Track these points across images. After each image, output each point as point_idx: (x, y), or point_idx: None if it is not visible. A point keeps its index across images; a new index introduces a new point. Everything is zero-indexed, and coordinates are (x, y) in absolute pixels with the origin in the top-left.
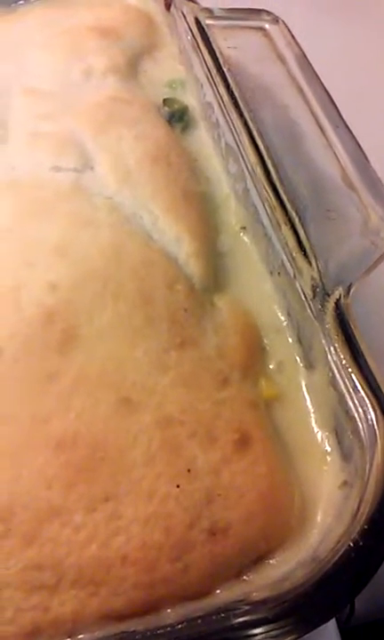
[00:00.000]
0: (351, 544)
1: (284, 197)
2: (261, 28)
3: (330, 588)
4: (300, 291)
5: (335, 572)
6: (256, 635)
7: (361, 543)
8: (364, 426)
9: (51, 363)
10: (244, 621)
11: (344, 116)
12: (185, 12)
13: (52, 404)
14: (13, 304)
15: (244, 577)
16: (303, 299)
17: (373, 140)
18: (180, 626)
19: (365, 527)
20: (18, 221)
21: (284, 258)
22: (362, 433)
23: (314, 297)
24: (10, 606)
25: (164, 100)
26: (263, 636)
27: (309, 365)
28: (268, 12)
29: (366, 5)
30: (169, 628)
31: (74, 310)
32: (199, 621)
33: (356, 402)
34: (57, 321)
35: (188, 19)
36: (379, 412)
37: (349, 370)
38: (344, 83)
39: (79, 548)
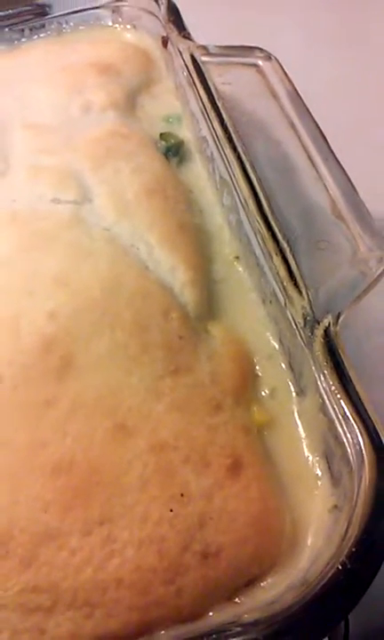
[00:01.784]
0: (339, 567)
1: (276, 228)
2: (255, 65)
3: (319, 610)
4: (291, 319)
5: (324, 595)
6: None
7: (349, 566)
8: (353, 451)
9: (48, 389)
10: None
11: (334, 149)
12: (181, 49)
13: (49, 429)
14: (13, 332)
15: (236, 599)
16: (294, 326)
17: (362, 172)
18: None
19: (353, 550)
20: (19, 252)
21: (276, 287)
22: (350, 458)
23: (304, 325)
24: (6, 628)
25: (161, 135)
26: None
27: (300, 392)
28: (261, 50)
29: (357, 41)
30: None
31: (72, 338)
32: None
33: (345, 428)
34: (55, 349)
35: (184, 55)
36: (366, 437)
37: (338, 396)
38: (334, 116)
39: (75, 571)
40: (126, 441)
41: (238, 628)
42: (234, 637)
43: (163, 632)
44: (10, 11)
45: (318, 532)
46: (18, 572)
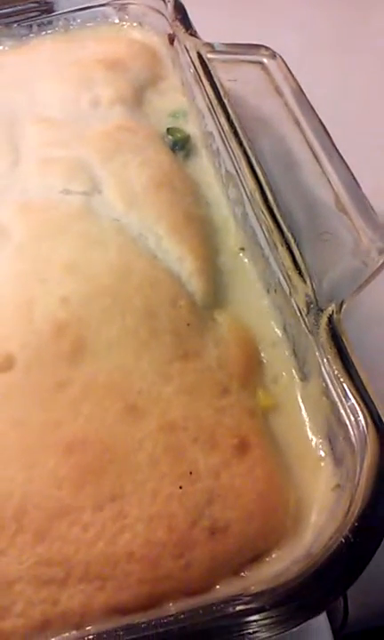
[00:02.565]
0: (343, 540)
1: (281, 221)
2: (260, 63)
3: (323, 581)
4: (295, 307)
5: (328, 566)
6: (253, 622)
7: (352, 539)
8: (355, 432)
9: (61, 372)
10: (242, 610)
11: (337, 145)
12: (188, 47)
13: (63, 410)
14: (26, 317)
15: (242, 574)
16: (298, 314)
17: (365, 168)
18: (182, 616)
19: (356, 524)
20: (31, 240)
21: (281, 277)
22: (353, 439)
23: (308, 313)
24: (21, 600)
25: (168, 130)
26: (259, 623)
27: (304, 377)
28: (267, 48)
29: (360, 41)
30: (171, 618)
31: (83, 323)
32: (200, 611)
33: (348, 410)
34: (67, 333)
35: (190, 53)
36: (369, 418)
37: (341, 380)
38: (338, 113)
39: (87, 545)
40: (137, 421)
41: (245, 598)
42: (240, 605)
43: (171, 604)
44: (17, 7)
45: (322, 510)
46: (32, 545)
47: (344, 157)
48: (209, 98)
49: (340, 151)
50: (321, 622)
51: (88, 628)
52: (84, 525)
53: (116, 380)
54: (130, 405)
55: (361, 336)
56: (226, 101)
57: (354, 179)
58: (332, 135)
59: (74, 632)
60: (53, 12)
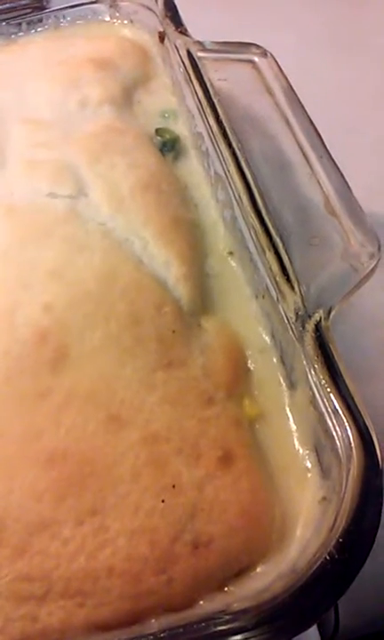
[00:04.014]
0: (327, 557)
1: (269, 224)
2: (251, 61)
3: (307, 599)
4: (283, 313)
5: (312, 584)
6: None
7: (336, 556)
8: (342, 444)
9: (43, 381)
10: (224, 630)
11: (328, 146)
12: (178, 45)
13: (44, 420)
14: (8, 324)
15: (226, 589)
16: (286, 321)
17: (355, 170)
18: (162, 634)
19: (341, 540)
20: (15, 245)
21: (269, 282)
22: (339, 451)
23: (296, 319)
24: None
25: (157, 130)
26: None
27: (292, 385)
28: (258, 46)
29: (353, 39)
30: (151, 637)
31: (66, 331)
32: (181, 630)
33: (335, 421)
34: (50, 340)
35: (180, 51)
36: (354, 430)
37: (328, 390)
38: (329, 113)
39: (67, 560)
40: (119, 432)
41: (227, 617)
42: (223, 625)
43: (154, 620)
44: (7, 4)
45: (307, 523)
46: (11, 560)
47: (335, 158)
48: (198, 97)
49: (331, 152)
50: (310, 632)
51: None
52: (65, 540)
53: (99, 389)
54: (112, 415)
55: (357, 339)
56: (215, 101)
57: (344, 181)
58: (322, 135)
59: None
60: (44, 9)
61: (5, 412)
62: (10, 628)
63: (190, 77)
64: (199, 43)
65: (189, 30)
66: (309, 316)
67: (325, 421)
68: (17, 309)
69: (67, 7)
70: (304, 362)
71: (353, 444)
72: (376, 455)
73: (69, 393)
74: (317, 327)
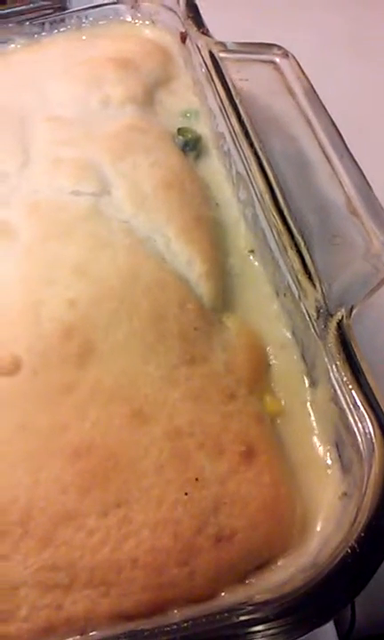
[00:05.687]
0: (349, 550)
1: (291, 223)
2: (272, 62)
3: (328, 591)
4: (304, 311)
5: (333, 576)
6: (256, 632)
7: (358, 550)
8: (363, 440)
9: (68, 375)
10: (246, 620)
11: (349, 147)
12: (200, 46)
13: (69, 414)
14: (33, 319)
15: (247, 581)
16: (307, 319)
17: (377, 169)
18: (185, 624)
19: (362, 534)
20: (39, 242)
21: (290, 280)
22: (361, 447)
23: (317, 317)
24: (25, 604)
25: (179, 130)
26: (263, 633)
27: (313, 382)
28: (279, 47)
29: (374, 41)
30: (175, 626)
31: (91, 326)
32: (203, 620)
33: (356, 417)
34: (75, 336)
35: (202, 52)
36: (376, 426)
37: (350, 387)
38: (350, 114)
39: (92, 551)
40: (143, 427)
41: (250, 607)
42: (245, 615)
43: (176, 611)
44: (30, 5)
45: (328, 518)
46: (37, 550)
47: (356, 158)
48: (220, 98)
49: (352, 152)
50: (327, 628)
51: (92, 633)
52: (89, 531)
53: (123, 385)
54: (136, 410)
55: (372, 339)
56: (237, 101)
57: (366, 180)
58: (344, 136)
59: (78, 637)
60: (66, 9)
61: (32, 406)
62: (35, 615)
63: (212, 77)
64: (221, 43)
65: (211, 31)
66: (331, 315)
67: (347, 417)
68: (42, 305)
69: (89, 7)
70: (325, 359)
71: (374, 440)
72: None
73: (94, 388)
74: (339, 325)
